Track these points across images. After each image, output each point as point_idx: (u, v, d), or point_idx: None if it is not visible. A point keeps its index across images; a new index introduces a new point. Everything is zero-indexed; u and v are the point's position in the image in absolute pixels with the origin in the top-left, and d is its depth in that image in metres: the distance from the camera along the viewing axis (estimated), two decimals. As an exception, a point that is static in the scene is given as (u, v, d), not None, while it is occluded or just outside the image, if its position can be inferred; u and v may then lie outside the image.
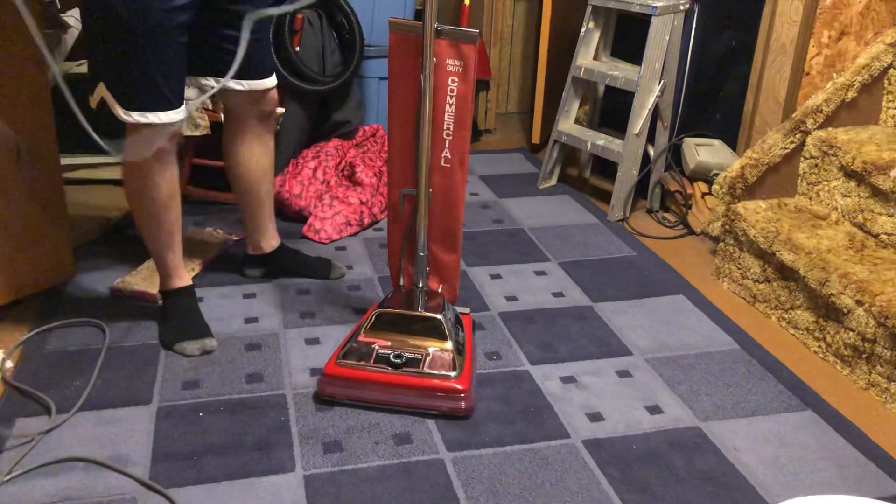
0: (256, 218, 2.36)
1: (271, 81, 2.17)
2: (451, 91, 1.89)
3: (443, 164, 1.97)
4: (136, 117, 1.89)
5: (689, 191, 3.03)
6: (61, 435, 1.77)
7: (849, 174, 2.42)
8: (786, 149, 2.54)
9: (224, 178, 3.02)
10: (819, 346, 2.23)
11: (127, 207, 2.76)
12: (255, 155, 2.25)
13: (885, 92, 2.58)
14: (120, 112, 1.88)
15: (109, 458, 1.71)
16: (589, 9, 3.03)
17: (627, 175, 3.01)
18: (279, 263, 2.45)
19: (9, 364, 2.00)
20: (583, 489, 1.69)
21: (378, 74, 3.31)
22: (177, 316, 2.16)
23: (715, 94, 3.17)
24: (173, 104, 1.91)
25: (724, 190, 2.58)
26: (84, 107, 1.77)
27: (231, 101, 2.16)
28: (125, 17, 1.78)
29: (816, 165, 2.53)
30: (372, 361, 1.91)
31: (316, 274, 2.48)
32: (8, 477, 1.64)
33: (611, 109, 3.34)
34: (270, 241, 2.42)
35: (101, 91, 1.88)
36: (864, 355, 2.08)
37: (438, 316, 1.96)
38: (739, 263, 2.52)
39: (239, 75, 2.00)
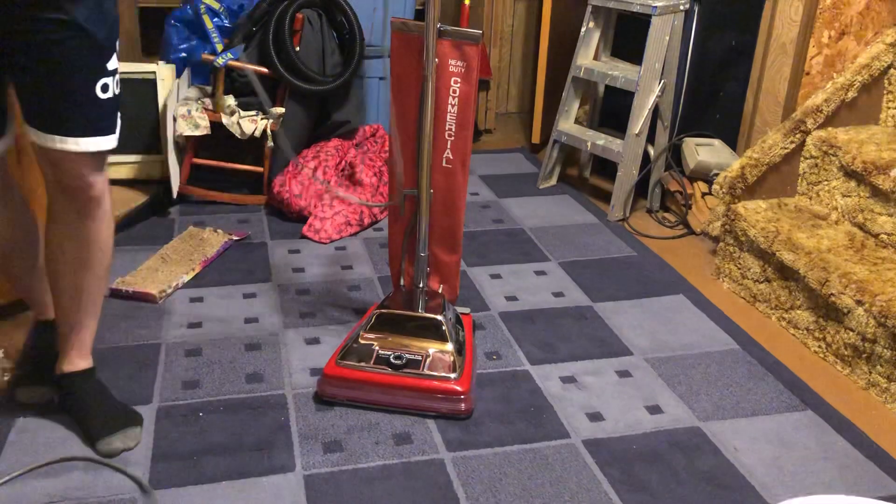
0: (60, 322, 1.75)
1: (74, 144, 1.54)
2: (454, 92, 1.89)
3: (444, 164, 1.97)
4: None
5: (689, 191, 3.03)
6: (61, 435, 1.77)
7: (849, 174, 2.42)
8: (786, 149, 2.54)
9: (224, 178, 3.04)
10: (819, 346, 2.23)
11: (128, 207, 2.77)
12: (57, 238, 1.67)
13: (885, 92, 2.58)
14: None
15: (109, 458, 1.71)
16: (589, 9, 3.03)
17: (627, 175, 3.01)
18: (67, 393, 1.79)
19: (7, 363, 2.00)
20: (583, 489, 1.69)
21: (378, 74, 3.30)
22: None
23: (715, 94, 3.17)
24: None
25: (724, 190, 2.58)
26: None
27: (38, 158, 1.62)
28: None
29: (816, 165, 2.53)
30: (372, 362, 1.91)
31: (91, 429, 1.75)
32: (8, 477, 1.64)
33: (611, 109, 3.33)
34: (63, 364, 1.76)
35: None
36: (864, 355, 2.08)
37: (439, 317, 1.96)
38: (739, 263, 2.52)
39: (30, 119, 1.55)
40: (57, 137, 1.54)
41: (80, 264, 1.68)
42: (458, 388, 1.87)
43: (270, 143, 2.92)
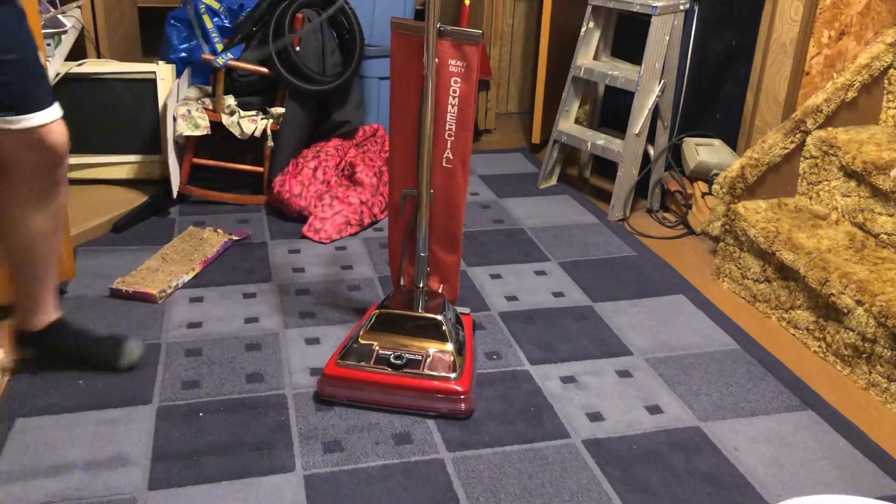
0: (27, 289, 1.87)
1: (47, 115, 1.65)
2: (454, 92, 1.89)
3: (444, 164, 1.97)
4: None
5: (689, 191, 3.03)
6: (61, 435, 1.77)
7: (849, 174, 2.42)
8: (786, 148, 2.54)
9: (224, 178, 3.04)
10: (819, 346, 2.23)
11: (128, 207, 2.77)
12: (27, 215, 1.75)
13: (885, 92, 2.58)
14: None
15: (109, 458, 1.71)
16: (589, 9, 3.03)
17: (627, 175, 3.01)
18: (53, 343, 1.95)
19: (8, 363, 2.00)
20: (583, 489, 1.69)
21: (378, 74, 3.31)
22: None
23: (715, 94, 3.17)
24: None
25: (724, 190, 2.58)
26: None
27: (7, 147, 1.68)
28: None
29: (816, 165, 2.53)
30: (372, 362, 1.91)
31: (96, 362, 1.97)
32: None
33: (611, 109, 3.34)
34: (42, 315, 1.91)
35: None
36: (864, 355, 2.08)
37: (439, 317, 1.96)
38: (739, 263, 2.52)
39: (11, 111, 1.62)
40: (38, 114, 1.64)
41: (44, 233, 1.80)
42: (458, 388, 1.87)
43: (270, 143, 2.92)
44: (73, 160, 2.85)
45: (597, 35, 3.12)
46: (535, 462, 1.76)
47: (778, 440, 1.86)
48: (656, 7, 2.79)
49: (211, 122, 2.84)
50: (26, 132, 1.64)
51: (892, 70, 2.54)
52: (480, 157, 3.59)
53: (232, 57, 2.84)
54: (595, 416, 1.92)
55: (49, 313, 1.92)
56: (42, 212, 1.77)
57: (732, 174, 2.56)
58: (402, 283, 2.13)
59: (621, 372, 2.10)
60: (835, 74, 2.67)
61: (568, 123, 3.22)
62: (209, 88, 2.98)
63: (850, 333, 2.11)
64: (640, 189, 3.14)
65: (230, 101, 2.91)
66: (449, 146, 1.95)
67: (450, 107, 1.91)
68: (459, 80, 1.88)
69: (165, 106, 2.85)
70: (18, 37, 1.61)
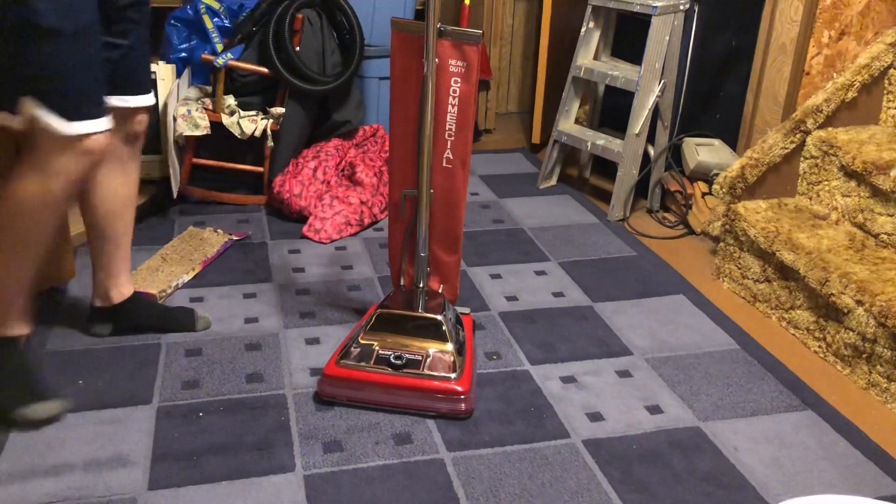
0: (108, 260, 1.99)
1: (149, 99, 1.89)
2: (454, 92, 1.89)
3: (444, 164, 1.97)
4: (85, 127, 1.62)
5: (689, 191, 3.03)
6: (62, 435, 1.77)
7: (849, 174, 2.42)
8: (786, 149, 2.54)
9: (224, 178, 3.04)
10: (819, 346, 2.23)
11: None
12: (114, 182, 1.92)
13: (885, 92, 2.58)
14: (61, 126, 1.60)
15: (109, 458, 1.71)
16: (589, 9, 3.03)
17: (627, 175, 3.01)
18: (131, 316, 2.09)
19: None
20: (583, 489, 1.69)
21: (378, 74, 3.31)
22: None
23: (715, 94, 3.17)
24: (105, 111, 1.69)
25: (724, 190, 2.58)
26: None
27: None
28: (51, 17, 1.53)
29: (816, 165, 2.53)
30: (372, 362, 1.91)
31: (177, 326, 2.15)
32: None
33: (611, 109, 3.34)
34: (121, 289, 2.05)
35: (30, 107, 1.59)
36: (864, 355, 2.08)
37: (439, 317, 1.96)
38: (739, 263, 2.52)
39: (116, 90, 1.80)
40: (146, 97, 1.88)
41: (127, 202, 1.96)
42: (458, 388, 1.87)
43: (270, 143, 2.92)
44: (73, 160, 2.85)
45: (597, 35, 3.12)
46: (535, 462, 1.76)
47: (778, 440, 1.86)
48: (656, 7, 2.79)
49: (211, 122, 2.84)
50: (130, 109, 1.84)
51: (892, 70, 2.54)
52: (480, 157, 3.59)
53: (232, 57, 2.84)
54: (595, 416, 1.92)
55: (128, 286, 2.07)
56: (125, 179, 1.93)
57: (732, 174, 2.56)
58: (402, 283, 2.13)
59: (621, 372, 2.10)
60: (835, 74, 2.67)
61: (568, 123, 3.22)
62: (209, 88, 2.98)
63: (850, 333, 2.11)
64: (640, 189, 3.14)
65: (230, 101, 2.91)
66: (449, 146, 1.95)
67: (450, 107, 1.91)
68: (459, 80, 1.88)
69: (165, 106, 2.85)
70: (147, 26, 1.83)
